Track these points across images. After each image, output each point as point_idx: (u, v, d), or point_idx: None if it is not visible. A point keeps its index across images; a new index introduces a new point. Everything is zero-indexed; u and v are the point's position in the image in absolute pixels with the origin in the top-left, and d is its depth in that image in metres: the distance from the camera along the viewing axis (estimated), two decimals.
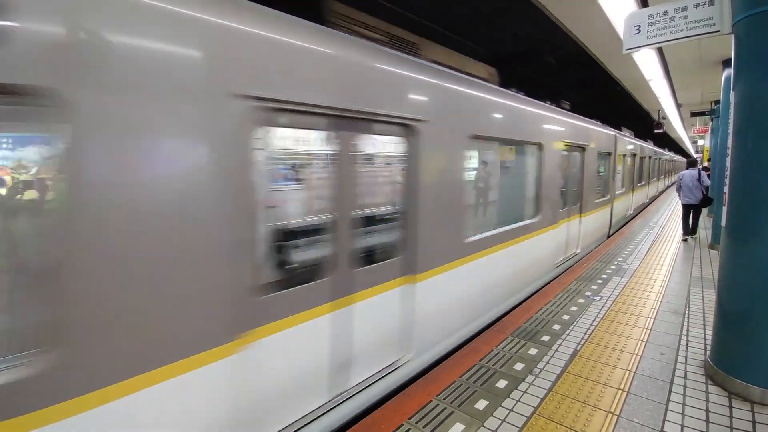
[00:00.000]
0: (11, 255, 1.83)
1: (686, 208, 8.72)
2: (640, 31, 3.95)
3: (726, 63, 8.57)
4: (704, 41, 5.85)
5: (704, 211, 9.76)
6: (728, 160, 3.05)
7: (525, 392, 2.92)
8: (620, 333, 3.93)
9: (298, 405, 2.42)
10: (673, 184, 29.50)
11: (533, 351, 3.56)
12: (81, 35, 1.48)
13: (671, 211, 14.06)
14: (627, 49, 4.11)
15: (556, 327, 4.07)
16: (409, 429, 2.53)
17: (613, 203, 9.60)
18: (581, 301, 4.86)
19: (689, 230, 8.77)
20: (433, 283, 3.38)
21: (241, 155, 1.99)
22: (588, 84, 13.62)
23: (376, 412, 2.70)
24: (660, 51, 8.16)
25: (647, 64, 8.93)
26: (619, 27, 5.90)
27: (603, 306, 4.68)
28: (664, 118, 16.49)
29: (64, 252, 1.50)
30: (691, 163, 9.15)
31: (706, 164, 15.50)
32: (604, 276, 5.93)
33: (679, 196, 8.86)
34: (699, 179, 8.33)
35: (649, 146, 16.36)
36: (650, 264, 6.65)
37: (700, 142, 24.18)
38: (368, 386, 2.89)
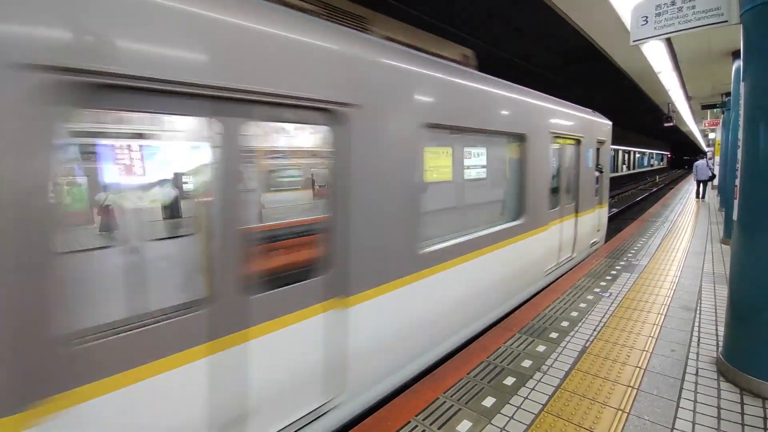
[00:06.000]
0: None
1: (698, 182, 15.47)
2: (647, 22, 3.90)
3: (736, 54, 8.42)
4: (713, 32, 5.74)
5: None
6: (739, 152, 3.00)
7: (533, 389, 2.90)
8: (630, 330, 3.88)
9: None
10: (675, 179, 29.38)
11: (541, 348, 3.54)
12: None
13: (682, 205, 13.85)
14: (634, 41, 4.06)
15: (565, 324, 4.04)
16: (416, 426, 2.53)
17: None
18: (590, 297, 4.80)
19: (701, 195, 15.35)
20: (374, 306, 2.80)
21: (35, 146, 1.46)
22: (596, 78, 13.47)
23: (383, 409, 2.71)
24: (668, 42, 8.04)
25: (655, 55, 8.80)
26: (626, 18, 5.84)
27: (612, 302, 4.62)
28: (674, 111, 16.29)
29: None
30: (702, 156, 15.55)
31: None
32: (614, 272, 5.85)
33: (695, 176, 15.68)
34: (707, 165, 15.04)
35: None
36: (661, 260, 6.55)
37: (711, 135, 23.77)
38: None
